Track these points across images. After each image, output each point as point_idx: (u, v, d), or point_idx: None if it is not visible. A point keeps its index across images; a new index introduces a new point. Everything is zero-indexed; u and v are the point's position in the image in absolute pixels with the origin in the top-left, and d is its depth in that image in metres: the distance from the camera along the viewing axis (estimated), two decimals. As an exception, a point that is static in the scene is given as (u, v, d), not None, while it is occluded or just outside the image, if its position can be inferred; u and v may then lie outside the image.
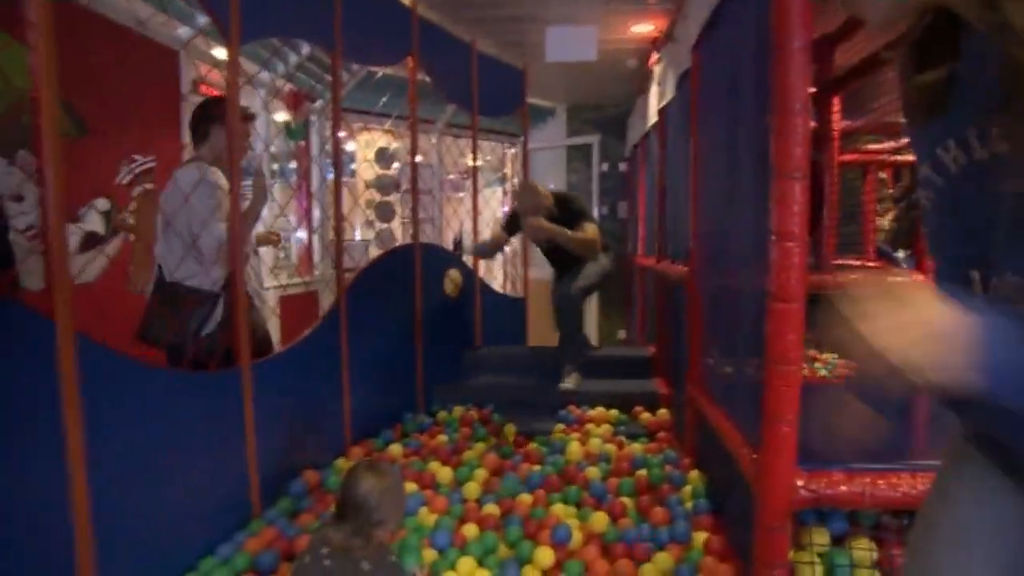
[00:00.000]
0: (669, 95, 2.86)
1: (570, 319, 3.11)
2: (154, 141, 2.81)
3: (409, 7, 2.97)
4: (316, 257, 4.41)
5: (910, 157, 3.76)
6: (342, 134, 4.76)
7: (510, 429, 2.74)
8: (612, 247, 3.27)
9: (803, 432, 1.44)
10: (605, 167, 5.44)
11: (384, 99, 3.44)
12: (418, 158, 4.97)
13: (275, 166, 4.29)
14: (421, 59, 3.04)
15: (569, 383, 3.10)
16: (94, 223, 2.59)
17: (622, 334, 5.42)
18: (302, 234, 4.43)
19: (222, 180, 1.97)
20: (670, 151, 3.01)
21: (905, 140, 3.77)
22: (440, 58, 3.27)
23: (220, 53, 2.91)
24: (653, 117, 3.37)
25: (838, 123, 3.53)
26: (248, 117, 2.17)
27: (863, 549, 1.65)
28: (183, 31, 2.83)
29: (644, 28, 3.54)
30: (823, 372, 3.69)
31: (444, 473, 2.27)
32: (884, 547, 1.66)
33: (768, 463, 1.39)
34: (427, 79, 3.20)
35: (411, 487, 2.18)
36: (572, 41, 3.34)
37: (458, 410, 2.98)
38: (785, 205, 1.32)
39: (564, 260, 3.15)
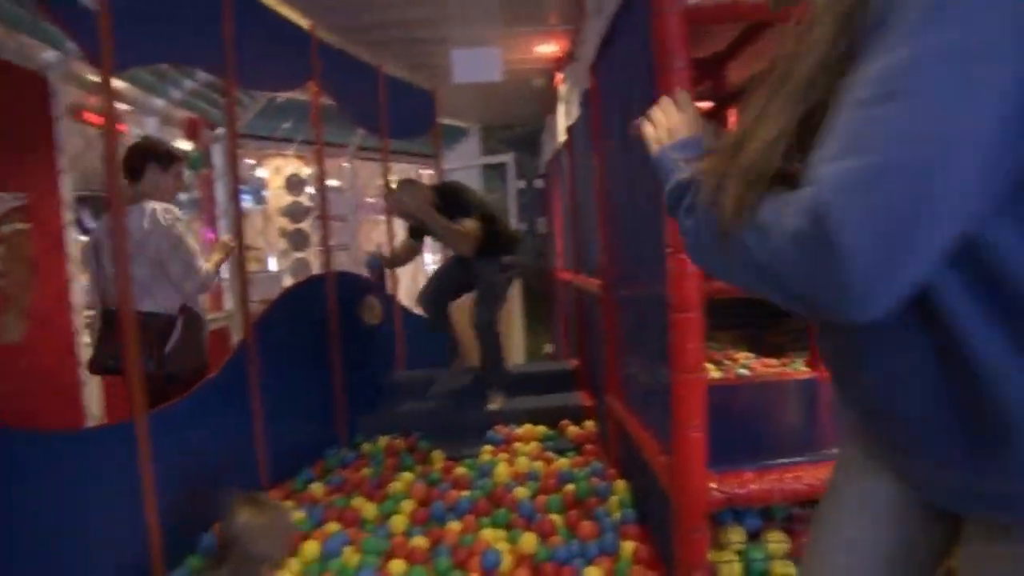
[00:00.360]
0: (575, 113, 2.94)
1: (488, 346, 3.09)
2: (26, 170, 2.58)
3: (308, 31, 2.91)
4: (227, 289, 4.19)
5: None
6: (250, 161, 4.60)
7: (437, 455, 2.69)
8: (510, 261, 3.17)
9: (721, 432, 1.49)
10: (521, 184, 5.52)
11: (287, 124, 3.34)
12: (333, 182, 4.88)
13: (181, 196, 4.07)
14: (324, 84, 2.98)
15: (495, 404, 3.09)
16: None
17: (549, 348, 5.48)
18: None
19: (176, 211, 2.13)
20: (579, 168, 3.09)
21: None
22: (345, 82, 3.21)
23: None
24: (563, 135, 3.46)
25: (734, 135, 3.77)
26: (177, 158, 2.23)
27: (777, 542, 1.72)
28: (53, 55, 2.63)
29: (548, 48, 3.64)
30: (740, 371, 3.89)
31: (369, 509, 2.19)
32: (796, 537, 1.74)
33: (681, 468, 1.43)
34: (333, 103, 3.14)
35: (334, 527, 2.09)
36: (477, 62, 3.38)
37: (382, 440, 2.89)
38: (677, 219, 1.37)
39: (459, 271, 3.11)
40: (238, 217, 2.42)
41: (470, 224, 2.85)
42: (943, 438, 0.57)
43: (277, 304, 2.62)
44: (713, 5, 1.39)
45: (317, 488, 2.38)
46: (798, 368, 3.79)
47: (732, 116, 3.58)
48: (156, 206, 2.06)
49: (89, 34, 1.63)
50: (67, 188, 2.77)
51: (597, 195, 2.34)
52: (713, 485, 1.43)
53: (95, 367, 2.17)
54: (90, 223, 4.03)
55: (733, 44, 3.02)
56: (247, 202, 3.17)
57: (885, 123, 0.46)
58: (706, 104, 3.74)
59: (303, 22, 2.91)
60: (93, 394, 2.76)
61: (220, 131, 3.99)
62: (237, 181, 2.44)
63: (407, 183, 3.03)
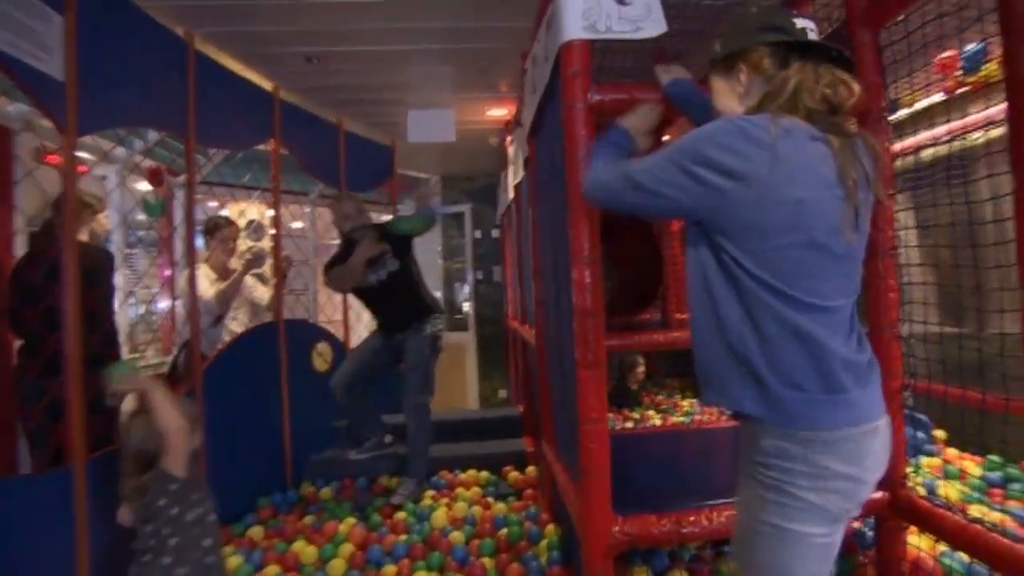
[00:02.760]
0: (520, 174, 3.16)
1: (417, 428, 2.83)
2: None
3: (271, 92, 3.09)
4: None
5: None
6: (213, 204, 4.69)
7: (379, 501, 2.76)
8: (439, 309, 3.02)
9: (631, 478, 1.63)
10: (478, 234, 5.73)
11: (248, 176, 3.47)
12: (296, 224, 5.00)
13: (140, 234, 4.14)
14: (285, 140, 3.15)
15: (403, 495, 2.75)
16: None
17: (504, 393, 5.59)
18: (165, 304, 4.23)
19: None
20: (523, 224, 3.29)
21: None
22: (306, 138, 3.39)
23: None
24: (512, 191, 3.68)
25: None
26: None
27: (682, 580, 1.86)
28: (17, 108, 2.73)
29: (499, 112, 3.90)
30: (682, 419, 4.05)
31: (308, 552, 2.25)
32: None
33: (586, 511, 1.56)
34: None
35: (273, 570, 2.14)
36: (432, 123, 3.60)
37: (325, 491, 2.92)
38: (581, 286, 1.56)
39: (392, 309, 2.88)
40: (192, 269, 2.52)
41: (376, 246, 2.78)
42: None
43: (228, 351, 2.70)
44: (610, 100, 1.60)
45: (256, 532, 2.43)
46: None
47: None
48: None
49: (54, 101, 1.76)
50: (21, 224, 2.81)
51: (532, 253, 2.53)
52: (616, 528, 1.57)
53: None
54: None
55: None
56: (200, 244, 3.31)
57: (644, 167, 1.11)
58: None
59: (266, 84, 3.09)
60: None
61: (181, 178, 4.10)
62: (193, 226, 2.56)
63: (344, 196, 3.12)
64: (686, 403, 4.51)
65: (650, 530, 1.57)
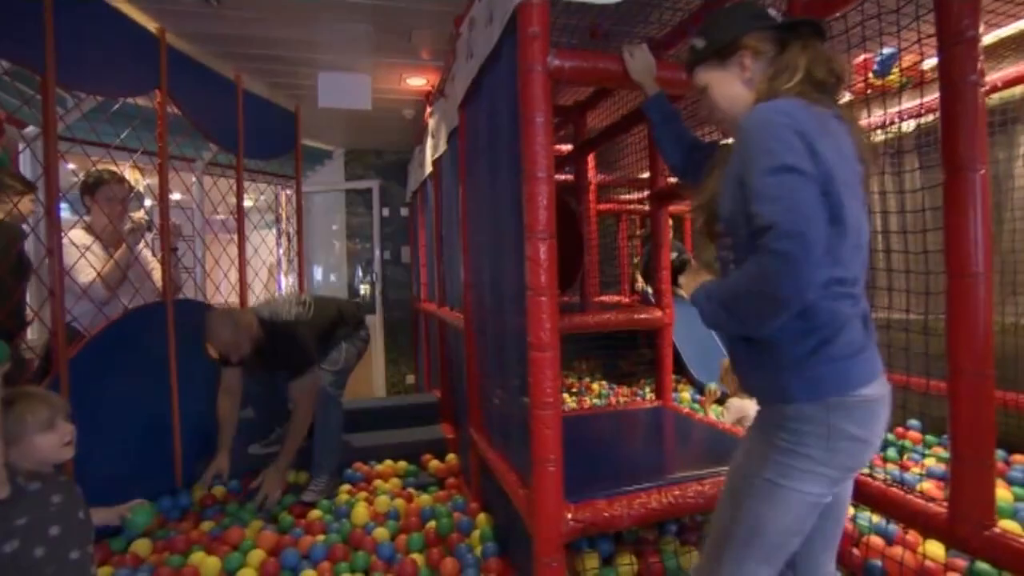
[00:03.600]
0: (442, 148, 2.99)
1: (328, 418, 2.65)
2: None
3: (156, 35, 2.67)
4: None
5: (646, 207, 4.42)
6: (72, 166, 4.03)
7: (288, 498, 2.52)
8: (357, 315, 2.90)
9: (575, 461, 1.56)
10: (386, 212, 5.44)
11: (125, 133, 2.98)
12: (176, 196, 4.43)
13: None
14: (173, 93, 2.74)
15: (315, 492, 2.55)
16: None
17: (411, 379, 5.40)
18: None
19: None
20: (444, 201, 3.13)
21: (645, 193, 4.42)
22: (197, 93, 2.97)
23: None
24: (430, 166, 3.49)
25: (594, 177, 4.07)
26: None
27: (627, 564, 1.84)
28: None
29: (418, 81, 3.67)
30: (596, 401, 4.11)
31: (210, 564, 1.98)
32: (644, 558, 1.88)
33: (539, 501, 1.48)
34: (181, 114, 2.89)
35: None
36: (346, 88, 3.31)
37: (218, 490, 2.60)
38: (536, 263, 1.45)
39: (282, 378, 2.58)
40: (56, 234, 2.11)
41: (310, 382, 2.51)
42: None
43: (103, 334, 2.31)
44: (571, 68, 1.51)
45: (142, 546, 2.10)
46: (646, 396, 4.13)
47: (590, 159, 3.88)
48: None
49: None
50: None
51: (461, 231, 2.38)
52: (569, 515, 1.50)
53: None
54: None
55: (592, 95, 3.30)
56: (66, 213, 2.70)
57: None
58: (567, 147, 4.02)
59: (151, 25, 2.66)
60: None
61: (31, 130, 3.47)
62: (55, 191, 2.13)
63: (218, 318, 2.50)
64: (596, 386, 4.60)
65: (602, 515, 1.53)
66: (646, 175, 2.74)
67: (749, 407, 2.74)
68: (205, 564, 1.97)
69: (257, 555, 2.04)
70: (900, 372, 1.72)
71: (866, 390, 1.02)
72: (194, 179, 4.39)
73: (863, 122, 1.94)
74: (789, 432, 1.03)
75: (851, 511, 1.89)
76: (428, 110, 3.50)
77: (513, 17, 1.54)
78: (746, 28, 1.12)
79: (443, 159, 3.05)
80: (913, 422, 3.00)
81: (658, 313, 2.59)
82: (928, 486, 2.20)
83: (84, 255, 2.34)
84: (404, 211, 5.44)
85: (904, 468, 2.31)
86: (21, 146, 3.36)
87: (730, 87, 1.15)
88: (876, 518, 1.88)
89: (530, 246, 1.47)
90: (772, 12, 1.15)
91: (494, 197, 1.91)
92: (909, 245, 1.92)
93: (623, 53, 1.62)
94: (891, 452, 2.62)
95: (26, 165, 3.49)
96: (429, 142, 3.50)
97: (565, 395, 4.27)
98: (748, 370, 1.13)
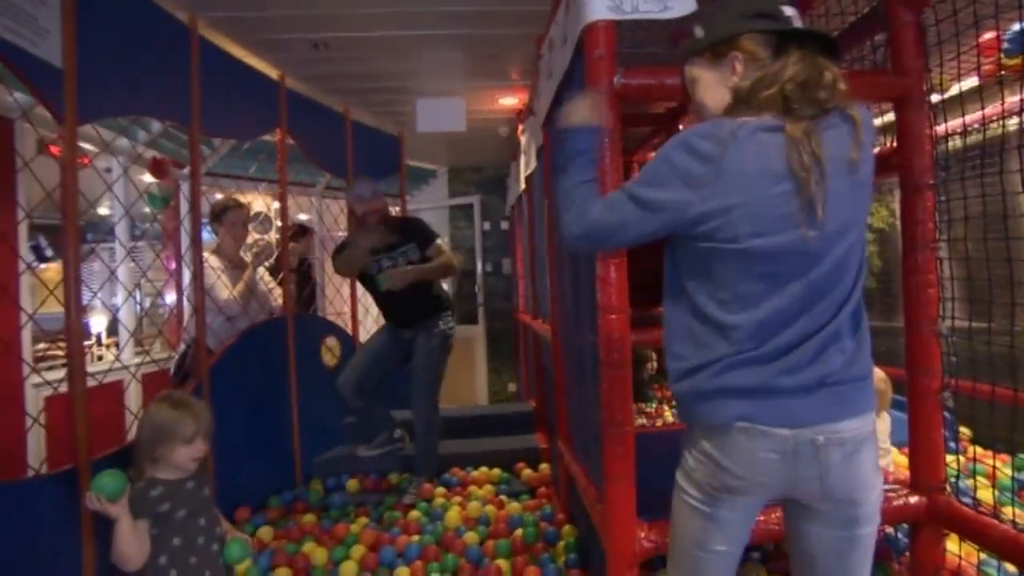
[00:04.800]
0: (533, 164, 3.07)
1: (426, 428, 2.77)
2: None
3: (277, 80, 3.01)
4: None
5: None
6: (218, 195, 4.63)
7: (390, 499, 2.71)
8: (452, 301, 2.99)
9: (653, 478, 1.56)
10: (487, 226, 5.64)
11: (253, 167, 3.39)
12: (302, 216, 4.92)
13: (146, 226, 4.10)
14: (291, 129, 3.07)
15: (412, 495, 2.70)
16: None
17: (513, 387, 5.52)
18: (172, 298, 4.17)
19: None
20: (535, 217, 3.20)
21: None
22: (312, 128, 3.30)
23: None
24: (523, 182, 3.58)
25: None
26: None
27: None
28: (19, 96, 2.67)
29: (510, 101, 3.80)
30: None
31: (319, 554, 2.19)
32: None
33: (611, 518, 1.49)
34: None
35: (284, 573, 2.09)
36: (442, 112, 3.51)
37: (352, 483, 2.87)
38: (607, 282, 1.47)
39: (402, 305, 2.73)
40: (198, 257, 2.46)
41: (446, 246, 2.82)
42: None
43: (235, 346, 2.64)
44: (637, 85, 1.51)
45: (266, 532, 2.37)
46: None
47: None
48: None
49: (53, 90, 1.69)
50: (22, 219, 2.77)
51: (547, 246, 2.44)
52: (642, 534, 1.50)
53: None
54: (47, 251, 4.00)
55: (684, 101, 3.23)
56: (209, 236, 3.20)
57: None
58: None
59: (272, 72, 3.01)
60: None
61: (186, 171, 4.03)
62: (199, 219, 2.49)
63: (365, 187, 2.80)
64: (669, 413, 4.44)
65: (677, 537, 1.50)
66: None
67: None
68: (315, 554, 2.19)
69: (359, 550, 2.22)
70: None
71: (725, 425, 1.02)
72: (313, 201, 4.84)
73: (995, 108, 1.72)
74: (685, 433, 1.13)
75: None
76: (520, 127, 3.60)
77: (581, 38, 1.58)
78: (746, 28, 1.02)
79: (533, 175, 3.14)
80: None
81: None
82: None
83: (220, 277, 2.68)
84: (504, 224, 5.60)
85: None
86: (181, 183, 3.92)
87: (715, 91, 1.07)
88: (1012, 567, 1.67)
89: (601, 266, 1.49)
90: (788, 11, 1.03)
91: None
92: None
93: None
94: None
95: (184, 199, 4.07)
96: (522, 159, 3.61)
97: (664, 406, 4.17)
98: None
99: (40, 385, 2.82)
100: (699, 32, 1.10)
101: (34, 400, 2.89)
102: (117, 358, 3.43)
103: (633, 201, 1.04)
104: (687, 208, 0.99)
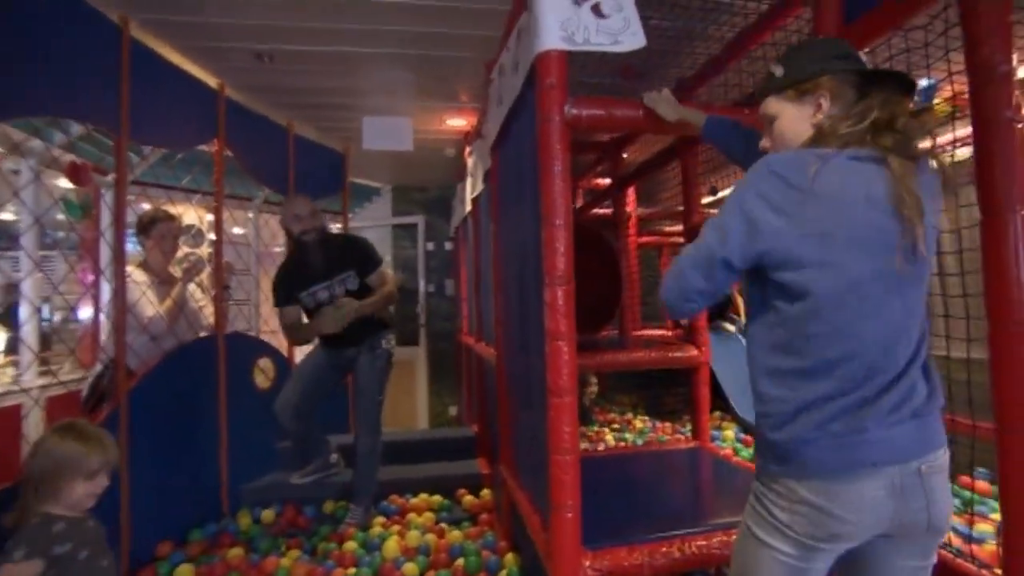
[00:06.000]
0: (479, 187, 3.07)
1: (367, 451, 2.67)
2: None
3: (216, 90, 2.89)
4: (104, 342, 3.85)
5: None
6: (146, 207, 4.37)
7: (324, 528, 2.58)
8: (393, 318, 2.90)
9: (598, 505, 1.55)
10: (431, 246, 5.59)
11: (187, 179, 3.23)
12: (237, 230, 4.71)
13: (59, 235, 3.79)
14: (230, 141, 2.94)
15: (351, 522, 2.62)
16: None
17: (454, 411, 5.44)
18: (87, 313, 3.86)
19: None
20: (481, 239, 3.20)
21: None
22: (252, 140, 3.19)
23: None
24: (469, 204, 3.58)
25: (634, 210, 4.06)
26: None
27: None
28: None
29: (458, 122, 3.81)
30: (637, 440, 4.02)
31: (244, 592, 2.06)
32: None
33: (555, 546, 1.47)
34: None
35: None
36: (388, 131, 3.47)
37: (267, 514, 2.73)
38: (554, 308, 1.47)
39: (351, 326, 2.58)
40: (121, 274, 2.29)
41: (388, 273, 2.74)
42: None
43: (159, 368, 2.47)
44: (588, 116, 1.54)
45: (185, 572, 2.20)
46: (688, 433, 4.02)
47: (629, 192, 3.89)
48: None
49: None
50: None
51: (494, 269, 2.43)
52: (587, 563, 1.48)
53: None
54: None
55: (630, 132, 3.33)
56: (134, 248, 2.97)
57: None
58: (606, 181, 4.03)
59: (211, 81, 2.89)
60: None
61: (110, 177, 3.79)
62: (123, 231, 2.32)
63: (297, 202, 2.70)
64: (639, 421, 4.51)
65: (621, 564, 1.50)
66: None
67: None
68: (241, 593, 2.04)
69: (290, 586, 2.09)
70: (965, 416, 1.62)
71: (827, 474, 0.97)
72: (250, 215, 4.66)
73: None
74: (762, 483, 1.05)
75: None
76: (467, 149, 3.61)
77: (533, 67, 1.60)
78: (829, 67, 1.07)
79: (480, 198, 3.13)
80: (981, 470, 2.79)
81: (693, 352, 2.54)
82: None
83: (145, 293, 2.51)
84: (448, 245, 5.56)
85: (971, 523, 2.15)
86: (103, 191, 3.67)
87: (800, 124, 1.10)
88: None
89: (549, 292, 1.49)
90: (862, 55, 1.10)
91: (520, 238, 1.95)
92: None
93: (645, 103, 1.61)
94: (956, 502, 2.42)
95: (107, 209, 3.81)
96: (468, 180, 3.60)
97: (605, 430, 4.21)
98: None
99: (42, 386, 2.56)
100: (778, 71, 1.13)
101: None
102: (15, 379, 3.12)
103: (717, 231, 1.02)
104: (778, 235, 0.97)
